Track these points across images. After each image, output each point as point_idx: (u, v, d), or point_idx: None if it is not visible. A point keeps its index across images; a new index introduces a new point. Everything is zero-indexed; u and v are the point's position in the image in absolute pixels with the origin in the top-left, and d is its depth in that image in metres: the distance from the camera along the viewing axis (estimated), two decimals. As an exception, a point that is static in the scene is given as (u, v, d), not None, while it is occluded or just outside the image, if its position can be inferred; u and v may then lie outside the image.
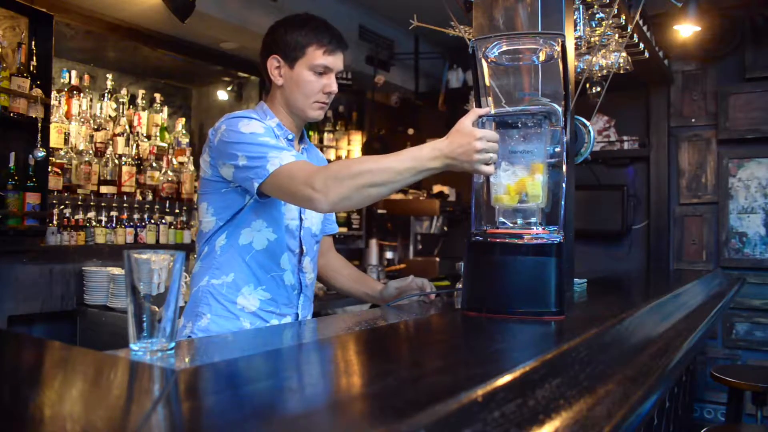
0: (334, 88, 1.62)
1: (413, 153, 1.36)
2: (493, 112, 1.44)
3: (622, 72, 2.53)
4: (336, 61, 1.62)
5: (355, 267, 1.99)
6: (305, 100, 1.61)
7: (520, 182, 1.37)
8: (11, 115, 2.62)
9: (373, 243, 4.59)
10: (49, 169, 2.85)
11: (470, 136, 1.31)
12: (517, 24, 1.79)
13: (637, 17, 2.54)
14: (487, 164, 1.32)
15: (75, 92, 3.22)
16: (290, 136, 1.65)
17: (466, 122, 1.33)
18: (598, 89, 2.59)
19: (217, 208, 1.60)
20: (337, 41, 1.63)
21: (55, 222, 2.98)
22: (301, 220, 1.66)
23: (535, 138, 1.37)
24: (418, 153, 1.35)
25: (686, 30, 3.34)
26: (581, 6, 2.14)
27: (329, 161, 1.92)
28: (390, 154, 1.38)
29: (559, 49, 1.36)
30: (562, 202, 1.38)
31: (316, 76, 1.60)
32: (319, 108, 1.63)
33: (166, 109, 3.78)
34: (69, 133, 3.12)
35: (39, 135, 2.73)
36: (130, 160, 3.39)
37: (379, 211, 4.64)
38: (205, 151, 1.59)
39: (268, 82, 1.65)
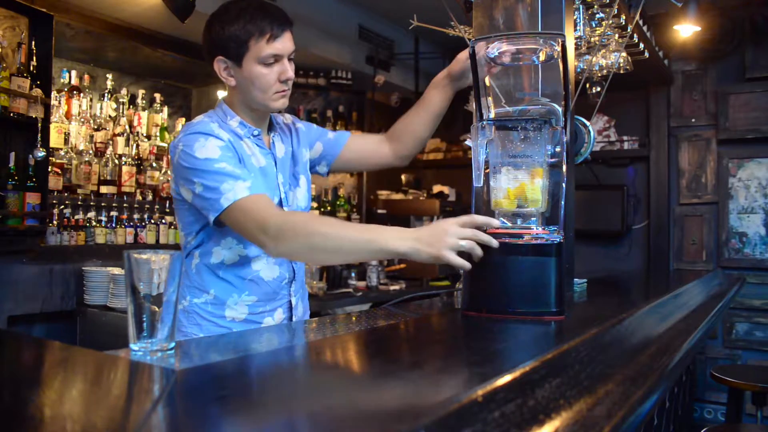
0: (291, 74, 1.53)
1: (379, 228, 1.32)
2: (492, 115, 1.44)
3: (622, 72, 2.52)
4: (283, 45, 1.50)
5: (401, 119, 1.78)
6: (263, 95, 1.52)
7: (519, 187, 1.37)
8: (11, 115, 2.62)
9: (373, 243, 4.58)
10: (49, 169, 2.85)
11: (444, 223, 1.27)
12: (517, 24, 1.79)
13: (637, 17, 2.54)
14: (461, 254, 1.24)
15: (75, 92, 3.22)
16: (255, 133, 1.59)
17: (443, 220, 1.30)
18: (598, 89, 2.59)
19: (185, 223, 1.57)
20: (279, 24, 1.49)
21: (55, 222, 2.98)
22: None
23: (535, 142, 1.37)
24: (384, 230, 1.31)
25: (686, 30, 3.34)
26: (581, 6, 2.14)
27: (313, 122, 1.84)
28: (359, 224, 1.34)
29: (559, 49, 1.36)
30: (562, 203, 1.38)
31: (267, 67, 1.49)
32: (281, 97, 1.54)
33: (166, 109, 3.78)
34: (69, 133, 3.12)
35: (39, 135, 2.73)
36: (130, 160, 3.39)
37: (379, 211, 4.64)
38: (171, 165, 1.56)
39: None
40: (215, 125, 1.52)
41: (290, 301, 1.66)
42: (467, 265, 1.27)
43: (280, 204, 1.60)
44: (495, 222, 1.29)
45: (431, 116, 1.72)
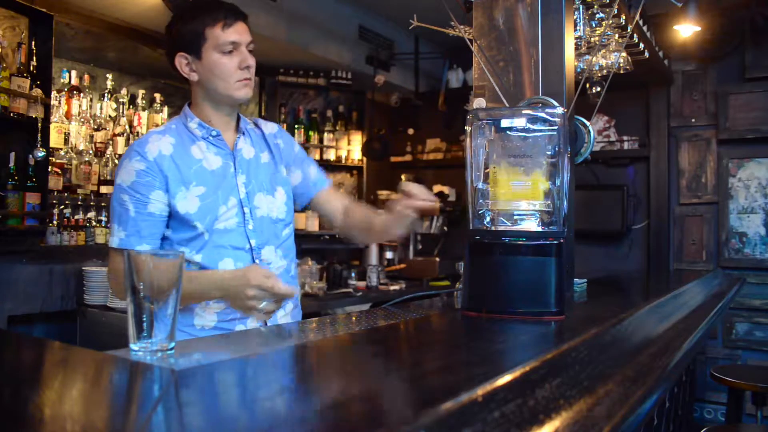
0: (251, 61, 1.56)
1: (198, 279, 1.48)
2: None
3: (622, 72, 2.52)
4: (239, 33, 1.55)
5: (364, 209, 1.82)
6: (225, 84, 1.55)
7: (519, 187, 1.37)
8: (11, 115, 2.62)
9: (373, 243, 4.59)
10: (49, 169, 2.85)
11: (245, 280, 1.39)
12: (517, 24, 1.79)
13: (637, 17, 2.54)
14: (265, 311, 1.42)
15: (75, 92, 3.21)
16: (214, 133, 1.60)
17: (257, 269, 1.42)
18: (598, 89, 2.58)
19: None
20: (232, 13, 1.55)
21: (55, 222, 2.98)
22: (244, 213, 1.59)
23: (535, 141, 1.37)
24: (200, 281, 1.47)
25: (686, 30, 3.34)
26: (581, 6, 2.14)
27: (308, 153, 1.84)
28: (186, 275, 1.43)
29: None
30: (563, 203, 1.38)
31: (226, 56, 1.53)
32: (244, 86, 1.57)
33: (166, 109, 3.78)
34: (69, 133, 3.12)
35: (39, 135, 2.73)
36: (130, 160, 3.38)
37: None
38: None
39: (186, 82, 1.61)
40: (156, 137, 1.56)
41: None
42: (266, 317, 1.54)
43: (240, 205, 1.58)
44: (292, 294, 1.44)
45: (367, 240, 1.79)
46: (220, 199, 1.56)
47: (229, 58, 1.54)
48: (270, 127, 1.77)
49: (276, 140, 1.75)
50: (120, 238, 1.50)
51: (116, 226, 1.52)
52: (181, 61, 1.57)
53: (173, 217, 1.54)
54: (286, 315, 1.69)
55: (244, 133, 1.67)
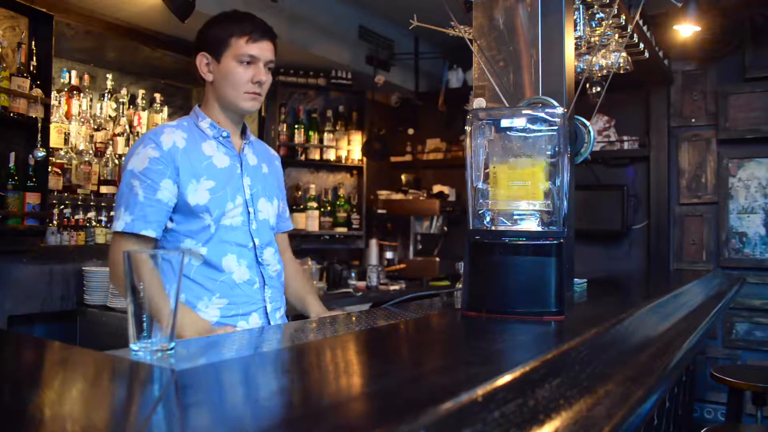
0: (263, 77, 1.62)
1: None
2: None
3: (622, 72, 2.52)
4: (262, 50, 1.61)
5: (304, 279, 1.96)
6: (234, 92, 1.61)
7: (519, 187, 1.37)
8: (11, 115, 2.62)
9: (373, 243, 4.59)
10: (49, 169, 2.85)
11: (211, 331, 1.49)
12: (517, 24, 1.79)
13: (637, 17, 2.54)
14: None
15: (75, 92, 3.21)
16: (225, 134, 1.66)
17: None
18: (598, 89, 2.58)
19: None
20: (260, 30, 1.62)
21: (55, 222, 2.98)
22: (249, 213, 1.65)
23: (535, 141, 1.37)
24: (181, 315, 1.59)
25: (686, 30, 3.34)
26: (581, 6, 2.14)
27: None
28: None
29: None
30: (563, 203, 1.37)
31: (243, 66, 1.60)
32: (251, 99, 1.63)
33: (166, 109, 3.78)
34: (69, 133, 3.12)
35: (39, 135, 2.73)
36: (130, 160, 3.38)
37: (379, 211, 4.64)
38: None
39: (201, 80, 1.66)
40: (170, 129, 1.59)
41: (265, 307, 1.66)
42: None
43: (246, 205, 1.64)
44: None
45: (295, 307, 1.93)
46: (228, 195, 1.61)
47: (244, 69, 1.60)
48: (273, 150, 1.89)
49: (276, 162, 1.86)
50: (126, 222, 1.52)
51: (123, 210, 1.53)
52: (202, 60, 1.63)
53: (182, 209, 1.56)
54: (282, 317, 1.74)
55: (249, 142, 1.74)
